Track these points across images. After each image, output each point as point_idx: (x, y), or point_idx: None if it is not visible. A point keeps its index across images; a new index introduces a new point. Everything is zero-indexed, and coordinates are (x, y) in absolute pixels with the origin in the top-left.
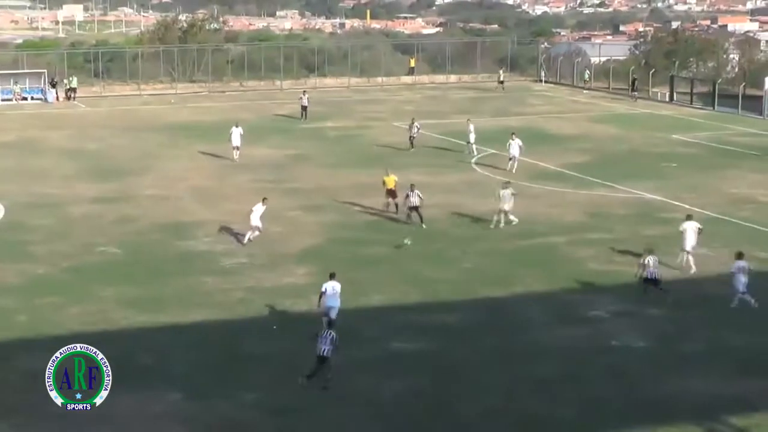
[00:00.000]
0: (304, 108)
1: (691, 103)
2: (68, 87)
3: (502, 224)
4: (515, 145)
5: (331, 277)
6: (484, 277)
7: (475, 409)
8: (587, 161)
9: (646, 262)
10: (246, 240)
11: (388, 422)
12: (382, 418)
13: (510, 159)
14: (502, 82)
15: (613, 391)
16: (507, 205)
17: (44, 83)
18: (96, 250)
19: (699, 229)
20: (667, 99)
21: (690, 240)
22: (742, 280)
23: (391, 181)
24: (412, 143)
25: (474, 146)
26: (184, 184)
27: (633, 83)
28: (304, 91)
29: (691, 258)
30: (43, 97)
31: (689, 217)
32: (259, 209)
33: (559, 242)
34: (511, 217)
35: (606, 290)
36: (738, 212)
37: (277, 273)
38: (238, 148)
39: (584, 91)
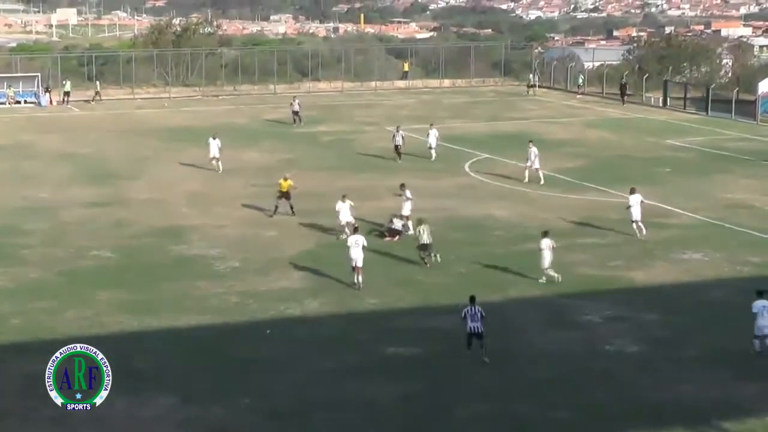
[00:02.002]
0: (296, 113)
1: (685, 108)
2: (64, 91)
3: (544, 280)
4: (533, 153)
5: (355, 231)
6: (479, 281)
7: (469, 413)
8: (580, 166)
9: (419, 231)
10: (343, 237)
11: (382, 427)
12: (376, 423)
13: (527, 168)
14: (533, 86)
15: (606, 396)
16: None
17: (38, 87)
18: (89, 255)
19: (553, 247)
20: (661, 104)
21: (547, 258)
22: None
23: (286, 185)
24: (399, 153)
25: (433, 151)
26: (178, 189)
27: (623, 88)
28: (294, 97)
29: (552, 272)
30: (36, 101)
31: (545, 234)
32: (343, 207)
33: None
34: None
35: (600, 295)
36: (732, 217)
37: (270, 277)
38: (217, 159)
39: (577, 96)
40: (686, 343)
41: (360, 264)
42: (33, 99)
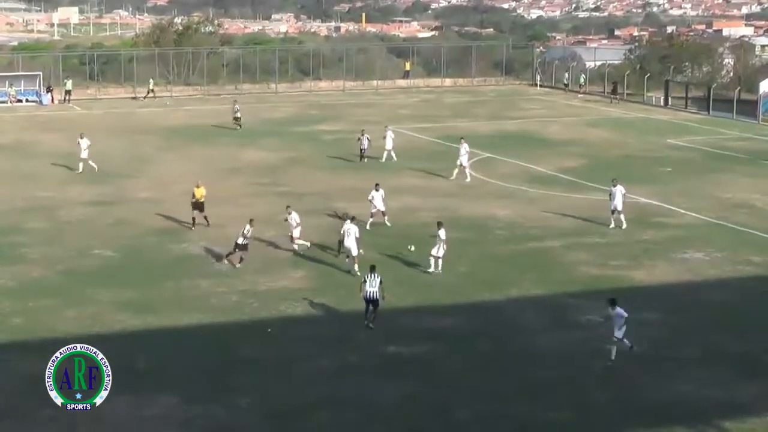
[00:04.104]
0: (236, 118)
1: (686, 108)
2: (65, 90)
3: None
4: (618, 194)
5: (352, 219)
6: (480, 281)
7: (470, 413)
8: (581, 165)
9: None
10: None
11: (382, 427)
12: (376, 423)
13: (612, 211)
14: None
15: (607, 396)
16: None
17: (39, 86)
18: (91, 254)
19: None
20: (662, 103)
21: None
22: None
23: (200, 192)
24: (362, 156)
25: (392, 152)
26: (179, 188)
27: (614, 87)
28: (235, 101)
29: (439, 262)
30: (38, 100)
31: (439, 225)
32: (376, 196)
33: (554, 246)
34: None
35: (601, 294)
36: (733, 217)
37: (271, 276)
38: (85, 159)
39: (579, 95)
40: (687, 342)
41: (354, 253)
42: (34, 98)
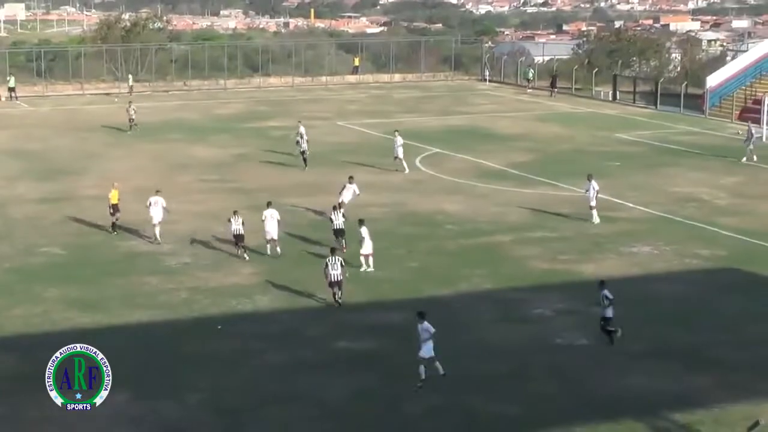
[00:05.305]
0: (131, 119)
1: (634, 102)
2: (8, 87)
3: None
4: (591, 188)
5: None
6: (430, 276)
7: (420, 407)
8: (531, 160)
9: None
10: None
11: (334, 422)
12: (328, 419)
13: (591, 208)
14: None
15: (557, 389)
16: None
17: None
18: (39, 251)
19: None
20: (611, 98)
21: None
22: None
23: (116, 195)
24: (305, 158)
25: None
26: (127, 184)
27: (553, 80)
28: (130, 102)
29: (369, 260)
30: None
31: (269, 204)
32: (348, 188)
33: (503, 241)
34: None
35: (551, 288)
36: (681, 210)
37: (221, 273)
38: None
39: (528, 91)
40: (636, 336)
41: (275, 236)
42: None
